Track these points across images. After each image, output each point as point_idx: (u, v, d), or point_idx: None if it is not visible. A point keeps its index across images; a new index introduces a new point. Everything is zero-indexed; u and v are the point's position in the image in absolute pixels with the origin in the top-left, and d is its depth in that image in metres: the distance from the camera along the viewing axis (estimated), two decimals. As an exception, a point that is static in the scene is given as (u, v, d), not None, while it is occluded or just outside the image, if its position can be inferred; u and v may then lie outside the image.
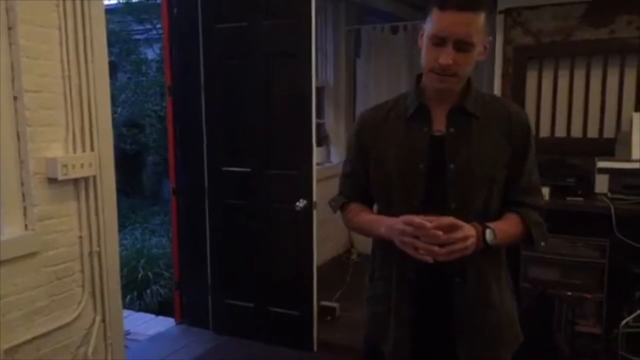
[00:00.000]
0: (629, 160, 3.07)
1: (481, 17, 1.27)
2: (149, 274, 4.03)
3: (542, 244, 1.41)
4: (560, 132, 3.41)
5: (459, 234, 1.22)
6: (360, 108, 5.07)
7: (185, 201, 3.45)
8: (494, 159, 1.35)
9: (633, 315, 2.79)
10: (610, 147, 3.21)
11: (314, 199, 2.94)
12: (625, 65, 3.25)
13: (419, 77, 1.43)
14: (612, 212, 2.74)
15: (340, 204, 1.57)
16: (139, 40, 8.34)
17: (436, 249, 1.22)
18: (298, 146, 2.96)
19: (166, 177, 7.57)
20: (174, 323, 3.57)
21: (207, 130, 3.21)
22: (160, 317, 3.72)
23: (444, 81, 1.31)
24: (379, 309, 1.48)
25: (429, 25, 1.30)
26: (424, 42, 1.33)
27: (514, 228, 1.38)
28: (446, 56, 1.26)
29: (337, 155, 4.96)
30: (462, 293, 1.37)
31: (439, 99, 1.38)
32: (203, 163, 3.25)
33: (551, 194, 3.01)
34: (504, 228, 1.34)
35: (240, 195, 3.17)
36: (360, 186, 1.51)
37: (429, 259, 1.23)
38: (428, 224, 1.22)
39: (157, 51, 7.66)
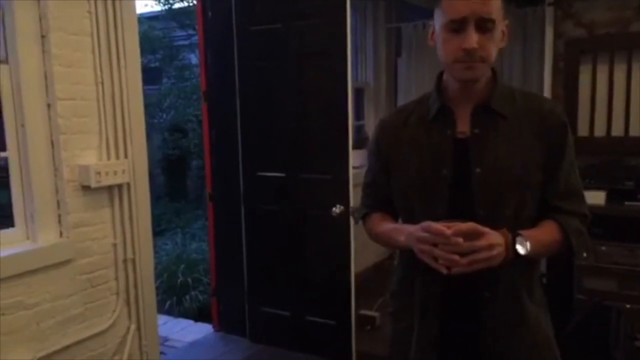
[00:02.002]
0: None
1: None
2: (188, 279, 4.03)
3: (584, 254, 1.26)
4: (617, 130, 3.16)
5: (482, 242, 1.10)
6: (401, 109, 4.92)
7: (221, 206, 3.41)
8: (525, 160, 1.22)
9: (702, 332, 2.54)
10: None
11: (351, 204, 2.83)
12: (690, 58, 2.99)
13: (440, 77, 1.32)
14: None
15: (362, 214, 1.47)
16: (182, 45, 8.48)
17: (456, 257, 1.09)
18: (334, 149, 2.86)
19: (209, 181, 7.54)
20: (211, 330, 3.54)
21: (242, 134, 3.16)
22: (199, 324, 3.70)
23: (472, 67, 1.19)
24: (401, 325, 1.37)
25: (442, 16, 1.20)
26: (438, 37, 1.23)
27: (550, 236, 1.24)
28: (470, 39, 1.15)
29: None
30: (492, 310, 1.24)
31: (462, 98, 1.27)
32: (238, 168, 3.20)
33: (607, 199, 2.80)
34: (538, 236, 1.20)
35: (275, 200, 3.10)
36: (382, 195, 1.41)
37: (444, 270, 1.11)
38: (447, 231, 1.10)
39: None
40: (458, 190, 1.24)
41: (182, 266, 4.16)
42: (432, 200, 1.26)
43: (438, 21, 1.23)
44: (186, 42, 8.49)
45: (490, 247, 1.10)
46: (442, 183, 1.25)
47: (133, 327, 2.57)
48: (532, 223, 1.25)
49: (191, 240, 4.90)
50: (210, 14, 3.20)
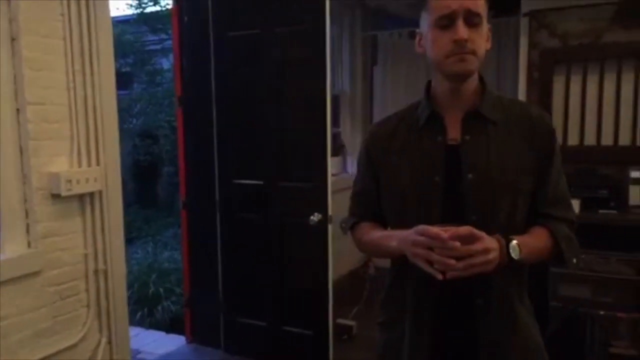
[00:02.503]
0: (666, 169, 2.89)
1: None
2: (160, 289, 3.93)
3: (574, 260, 1.26)
4: (590, 140, 3.23)
5: (478, 246, 1.09)
6: (377, 116, 4.93)
7: (195, 214, 3.34)
8: (516, 166, 1.23)
9: (674, 338, 2.59)
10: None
11: (330, 212, 2.80)
12: (659, 69, 3.07)
13: (429, 85, 1.33)
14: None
15: (350, 224, 1.45)
16: (153, 50, 8.34)
17: (452, 262, 1.08)
18: (312, 157, 2.83)
19: (180, 189, 7.41)
20: (184, 342, 3.45)
21: (218, 141, 3.10)
22: (171, 335, 3.60)
23: (465, 59, 1.18)
24: (391, 335, 1.35)
25: (429, 16, 1.21)
26: (426, 39, 1.24)
27: (541, 242, 1.24)
28: (461, 30, 1.16)
29: (354, 165, 4.82)
30: (486, 316, 1.23)
31: (452, 104, 1.27)
32: (214, 175, 3.14)
33: (582, 207, 2.84)
34: (529, 242, 1.20)
35: (252, 208, 3.05)
36: (372, 205, 1.40)
37: (439, 275, 1.10)
38: (444, 234, 1.08)
39: (172, 61, 7.64)
40: (450, 196, 1.23)
41: (154, 276, 4.05)
42: (425, 207, 1.25)
43: (425, 23, 1.24)
44: (158, 47, 8.36)
45: (486, 251, 1.10)
46: (435, 190, 1.24)
47: (104, 340, 2.48)
48: (523, 229, 1.25)
49: (163, 249, 4.79)
50: (186, 18, 3.14)
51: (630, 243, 2.72)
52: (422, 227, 1.13)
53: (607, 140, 3.19)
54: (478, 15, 1.17)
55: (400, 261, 1.25)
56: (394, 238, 1.26)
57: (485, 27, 1.21)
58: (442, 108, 1.29)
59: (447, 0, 1.17)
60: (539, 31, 3.27)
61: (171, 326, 3.79)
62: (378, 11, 4.85)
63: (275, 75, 2.90)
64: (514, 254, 1.16)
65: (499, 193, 1.22)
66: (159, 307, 3.83)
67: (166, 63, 8.16)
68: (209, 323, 3.29)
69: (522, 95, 3.32)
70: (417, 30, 1.28)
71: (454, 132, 1.27)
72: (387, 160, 1.33)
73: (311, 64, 2.78)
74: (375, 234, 1.37)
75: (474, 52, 1.18)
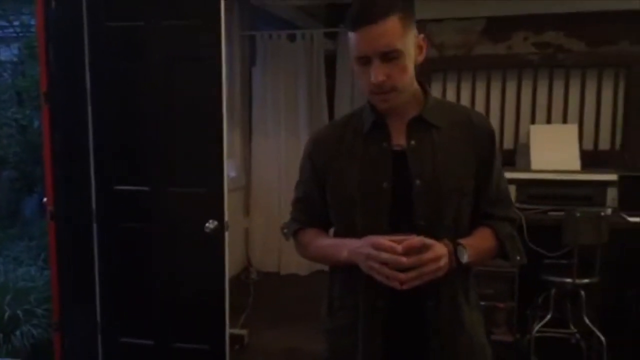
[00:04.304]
0: (529, 170, 3.22)
1: (395, 21, 1.18)
2: (18, 311, 3.43)
3: (518, 258, 1.33)
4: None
5: (429, 255, 1.13)
6: (256, 117, 4.85)
7: (66, 226, 2.95)
8: (461, 170, 1.27)
9: (544, 321, 2.89)
10: (510, 158, 3.35)
11: (226, 218, 2.66)
12: (522, 80, 3.42)
13: None
14: (524, 221, 2.81)
15: (293, 230, 1.41)
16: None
17: (402, 276, 1.12)
18: (206, 160, 2.66)
19: (28, 195, 6.66)
20: (53, 369, 3.04)
21: (95, 143, 2.78)
22: (35, 364, 3.16)
23: (386, 100, 1.23)
24: (343, 342, 1.33)
25: (351, 50, 1.23)
26: (354, 65, 1.26)
27: (486, 243, 1.30)
28: (376, 73, 1.19)
29: (233, 168, 4.68)
30: (436, 317, 1.26)
31: (393, 113, 1.29)
32: (90, 181, 2.80)
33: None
34: (475, 244, 1.25)
35: (137, 217, 2.78)
36: (315, 210, 1.38)
37: (398, 286, 1.13)
38: (398, 247, 1.12)
39: (15, 51, 6.75)
40: (398, 202, 1.24)
41: (8, 297, 3.52)
42: (373, 213, 1.25)
43: (352, 54, 1.25)
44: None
45: (437, 259, 1.14)
46: (384, 196, 1.25)
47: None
48: (469, 231, 1.29)
49: (16, 265, 4.19)
50: (54, 3, 2.77)
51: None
52: (375, 240, 1.15)
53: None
54: (394, 51, 1.18)
55: (347, 267, 1.25)
56: (343, 248, 1.25)
57: (407, 53, 1.20)
58: (385, 115, 1.29)
59: (362, 43, 1.19)
60: (418, 41, 3.46)
61: (34, 353, 3.31)
62: (257, 11, 4.77)
63: (162, 72, 2.67)
64: (462, 258, 1.20)
65: (445, 198, 1.24)
66: (18, 333, 3.33)
67: (5, 53, 7.22)
68: (84, 347, 2.93)
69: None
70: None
71: (398, 138, 1.28)
72: (333, 166, 1.31)
73: (204, 61, 2.61)
74: (323, 242, 1.35)
75: (394, 89, 1.21)
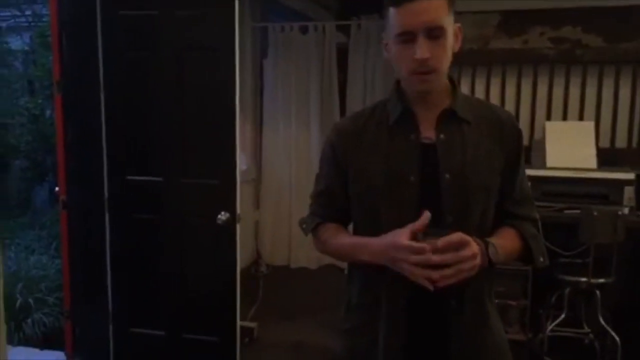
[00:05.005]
0: (544, 167, 3.17)
1: None
2: (30, 300, 3.44)
3: (541, 259, 1.30)
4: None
5: (467, 252, 1.09)
6: (267, 110, 4.83)
7: (78, 215, 2.95)
8: (489, 167, 1.24)
9: (558, 320, 2.86)
10: (525, 154, 3.30)
11: (238, 211, 2.65)
12: (538, 75, 3.36)
13: (398, 82, 1.30)
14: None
15: (313, 225, 1.38)
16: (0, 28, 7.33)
17: (435, 275, 1.08)
18: (219, 152, 2.65)
19: (39, 185, 6.68)
20: (63, 358, 3.05)
21: (108, 133, 2.77)
22: (46, 351, 3.17)
23: (426, 80, 1.19)
24: (361, 340, 1.31)
25: (391, 28, 1.19)
26: (391, 49, 1.22)
27: (512, 243, 1.27)
28: (422, 49, 1.14)
29: (244, 161, 4.66)
30: (460, 317, 1.23)
31: (423, 103, 1.25)
32: (102, 171, 2.80)
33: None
34: (502, 243, 1.22)
35: (149, 208, 2.77)
36: (336, 204, 1.35)
37: (430, 287, 1.09)
38: (427, 247, 1.08)
39: (27, 40, 6.76)
40: (426, 196, 1.21)
41: (20, 285, 3.54)
42: (399, 207, 1.21)
43: (388, 33, 1.21)
44: (4, 24, 7.38)
45: (474, 256, 1.10)
46: (411, 189, 1.22)
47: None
48: (492, 230, 1.26)
49: (28, 254, 4.21)
50: (67, -9, 2.75)
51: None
52: (405, 243, 1.10)
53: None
54: (439, 28, 1.15)
55: (368, 266, 1.22)
56: (365, 250, 1.22)
57: (451, 32, 1.19)
58: (414, 105, 1.26)
59: (406, 18, 1.14)
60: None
61: (45, 341, 3.33)
62: (269, 2, 4.73)
63: (176, 62, 2.66)
64: (494, 257, 1.17)
65: (473, 194, 1.22)
66: (29, 320, 3.35)
67: (19, 42, 7.24)
68: (95, 335, 2.94)
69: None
70: (383, 34, 1.26)
71: (427, 131, 1.24)
72: (356, 157, 1.28)
73: (218, 51, 2.60)
74: (344, 240, 1.31)
75: (435, 70, 1.17)
